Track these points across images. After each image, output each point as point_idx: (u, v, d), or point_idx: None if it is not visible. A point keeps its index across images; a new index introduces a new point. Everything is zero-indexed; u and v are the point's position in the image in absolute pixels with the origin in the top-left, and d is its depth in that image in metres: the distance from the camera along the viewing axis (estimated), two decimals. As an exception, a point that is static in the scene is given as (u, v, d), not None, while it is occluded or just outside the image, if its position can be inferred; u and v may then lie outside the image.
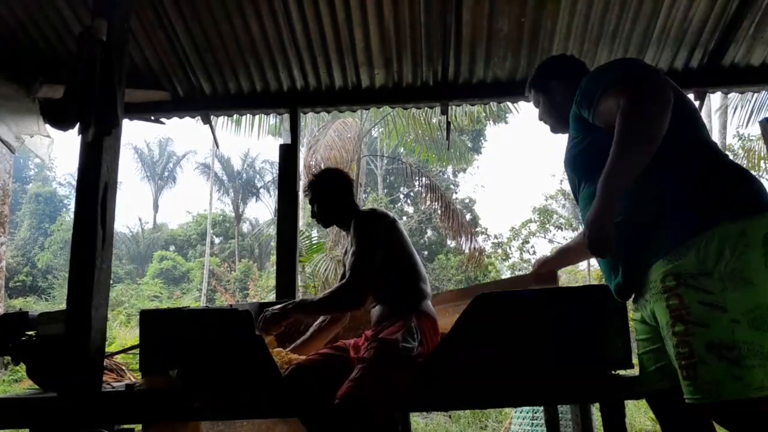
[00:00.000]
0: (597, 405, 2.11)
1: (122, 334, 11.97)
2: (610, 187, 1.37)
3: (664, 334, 1.43)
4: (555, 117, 1.90)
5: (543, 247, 16.56)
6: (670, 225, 1.40)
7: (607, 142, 1.40)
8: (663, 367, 1.58)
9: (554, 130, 1.96)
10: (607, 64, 1.61)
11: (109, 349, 3.48)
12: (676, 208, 1.40)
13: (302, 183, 6.69)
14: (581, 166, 1.66)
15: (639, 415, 6.25)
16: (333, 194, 2.40)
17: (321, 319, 2.53)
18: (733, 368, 1.27)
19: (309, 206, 2.55)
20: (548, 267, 2.34)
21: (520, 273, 16.67)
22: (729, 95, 9.95)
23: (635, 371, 2.10)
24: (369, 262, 2.15)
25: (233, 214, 29.66)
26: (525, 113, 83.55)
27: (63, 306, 2.19)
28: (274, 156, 33.36)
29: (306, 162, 10.53)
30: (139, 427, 2.20)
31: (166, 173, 33.33)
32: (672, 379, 1.50)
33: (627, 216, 1.46)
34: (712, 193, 1.39)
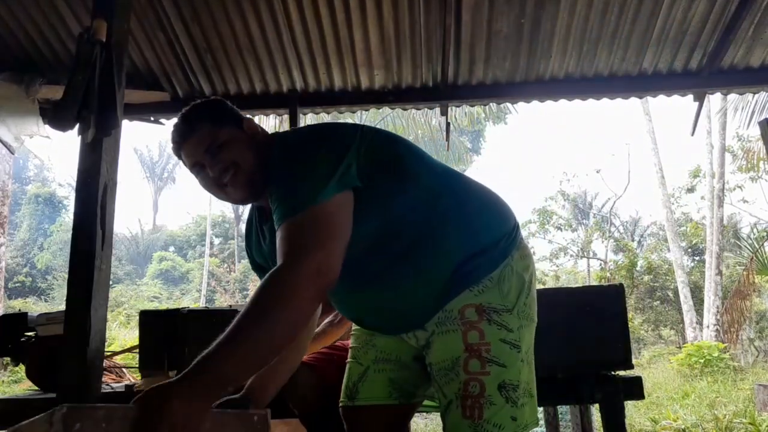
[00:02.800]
0: (596, 405, 2.10)
1: (122, 334, 11.96)
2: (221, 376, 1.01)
3: (441, 366, 1.28)
4: (261, 178, 1.30)
5: (542, 248, 16.54)
6: (470, 257, 1.26)
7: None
8: (397, 383, 1.46)
9: (254, 197, 1.37)
10: (285, 170, 1.21)
11: (108, 350, 3.48)
12: (471, 240, 1.28)
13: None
14: None
15: (639, 416, 6.25)
16: None
17: (332, 316, 2.54)
18: (513, 409, 1.23)
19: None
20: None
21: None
22: (728, 96, 9.95)
23: (635, 371, 2.10)
24: None
25: (233, 215, 29.62)
26: (524, 114, 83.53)
27: (62, 307, 2.19)
28: (274, 157, 33.25)
29: (305, 163, 10.51)
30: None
31: (166, 174, 33.35)
32: (403, 398, 1.46)
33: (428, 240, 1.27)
34: (495, 223, 1.32)
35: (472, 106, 9.04)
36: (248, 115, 1.44)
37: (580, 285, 11.31)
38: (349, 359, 1.56)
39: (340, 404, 1.54)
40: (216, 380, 1.01)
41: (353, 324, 1.57)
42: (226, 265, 23.96)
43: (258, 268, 1.54)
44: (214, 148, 1.29)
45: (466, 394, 1.23)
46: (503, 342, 1.24)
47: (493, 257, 1.27)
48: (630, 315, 8.44)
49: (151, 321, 2.27)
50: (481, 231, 1.30)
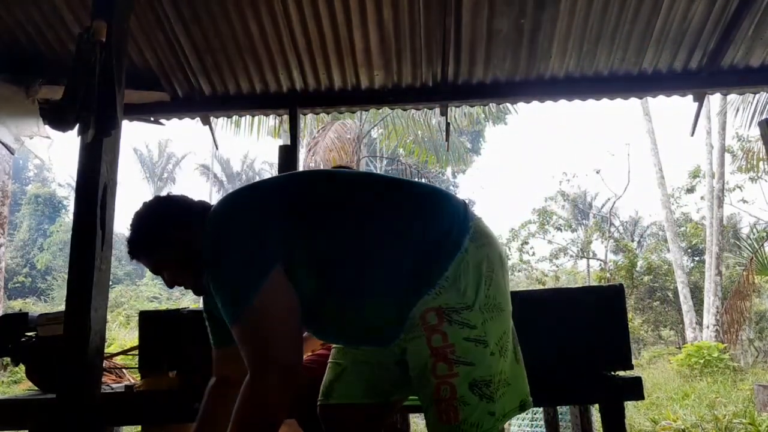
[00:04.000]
0: (596, 405, 2.10)
1: (121, 335, 11.95)
2: None
3: (415, 373, 1.30)
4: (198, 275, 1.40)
5: (542, 248, 16.55)
6: (419, 262, 1.27)
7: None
8: (372, 383, 1.49)
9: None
10: (221, 266, 1.28)
11: (108, 351, 3.47)
12: (412, 248, 1.29)
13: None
14: None
15: (639, 416, 6.25)
16: None
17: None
18: (489, 404, 1.23)
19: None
20: None
21: (519, 273, 16.67)
22: (729, 97, 9.94)
23: (635, 372, 2.11)
24: None
25: (233, 215, 29.59)
26: (524, 114, 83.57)
27: (62, 307, 2.19)
28: (274, 157, 33.33)
29: (305, 163, 10.53)
30: (138, 428, 2.20)
31: (166, 174, 33.28)
32: (379, 397, 1.50)
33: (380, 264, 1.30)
34: (433, 221, 1.31)
35: (472, 106, 9.05)
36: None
37: (580, 285, 11.33)
38: (330, 359, 1.61)
39: (317, 402, 1.57)
40: None
41: None
42: (225, 265, 23.90)
43: (208, 312, 1.55)
44: (157, 272, 1.45)
45: (439, 399, 1.23)
46: (467, 340, 1.24)
47: (442, 256, 1.27)
48: (630, 315, 8.44)
49: (151, 321, 2.27)
50: (419, 234, 1.30)
